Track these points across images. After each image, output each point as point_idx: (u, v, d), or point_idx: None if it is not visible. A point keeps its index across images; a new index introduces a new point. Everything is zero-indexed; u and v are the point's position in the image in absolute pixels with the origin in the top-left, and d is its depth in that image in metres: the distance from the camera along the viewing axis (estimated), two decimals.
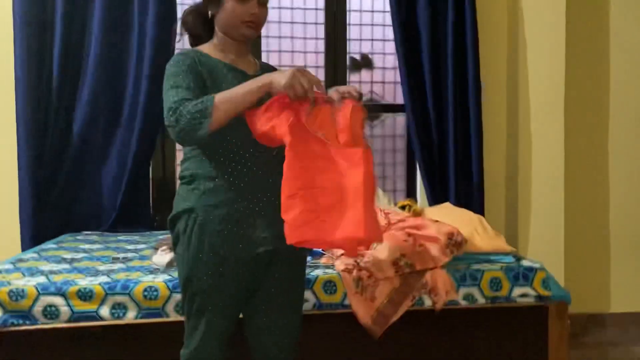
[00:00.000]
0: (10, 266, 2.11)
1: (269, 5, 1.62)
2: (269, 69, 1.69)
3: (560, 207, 2.98)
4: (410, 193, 3.29)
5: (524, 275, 2.10)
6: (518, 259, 2.23)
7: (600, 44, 3.24)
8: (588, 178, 3.25)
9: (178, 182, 1.64)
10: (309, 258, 2.20)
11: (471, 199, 3.06)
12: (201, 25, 1.64)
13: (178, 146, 3.08)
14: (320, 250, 2.25)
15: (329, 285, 1.98)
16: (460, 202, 3.00)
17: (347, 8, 3.19)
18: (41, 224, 2.75)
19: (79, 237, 2.71)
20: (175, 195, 1.60)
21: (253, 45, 3.06)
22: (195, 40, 1.67)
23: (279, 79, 1.40)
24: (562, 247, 2.98)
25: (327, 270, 2.04)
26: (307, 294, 1.93)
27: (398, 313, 1.97)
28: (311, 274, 2.00)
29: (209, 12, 1.59)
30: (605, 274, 3.26)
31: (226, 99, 1.41)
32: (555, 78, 2.97)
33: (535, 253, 2.84)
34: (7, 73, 2.77)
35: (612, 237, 3.26)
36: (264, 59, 3.14)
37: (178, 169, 2.99)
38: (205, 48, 1.61)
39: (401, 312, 1.97)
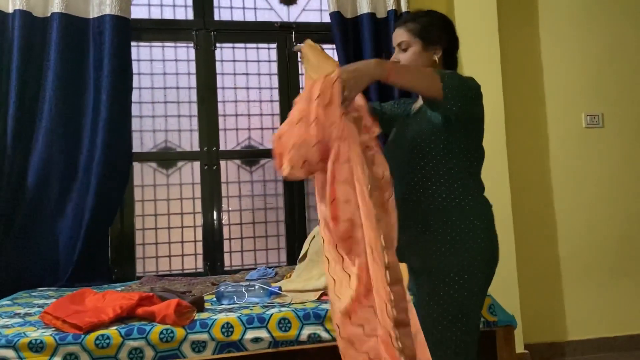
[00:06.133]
0: None
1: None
2: None
3: (510, 239, 3.07)
4: None
5: None
6: None
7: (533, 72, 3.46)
8: (535, 207, 3.38)
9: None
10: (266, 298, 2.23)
11: None
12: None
13: (136, 197, 3.11)
14: (276, 289, 2.27)
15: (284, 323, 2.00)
16: None
17: (299, 58, 3.33)
18: None
19: (34, 294, 2.66)
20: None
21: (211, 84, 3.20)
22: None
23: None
24: (515, 278, 3.06)
25: (282, 309, 2.06)
26: (263, 333, 1.95)
27: None
28: (266, 312, 2.02)
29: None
30: (560, 302, 3.36)
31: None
32: (494, 100, 3.09)
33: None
34: None
35: (563, 266, 3.38)
36: (219, 109, 3.26)
37: (137, 220, 3.04)
38: None
39: None
